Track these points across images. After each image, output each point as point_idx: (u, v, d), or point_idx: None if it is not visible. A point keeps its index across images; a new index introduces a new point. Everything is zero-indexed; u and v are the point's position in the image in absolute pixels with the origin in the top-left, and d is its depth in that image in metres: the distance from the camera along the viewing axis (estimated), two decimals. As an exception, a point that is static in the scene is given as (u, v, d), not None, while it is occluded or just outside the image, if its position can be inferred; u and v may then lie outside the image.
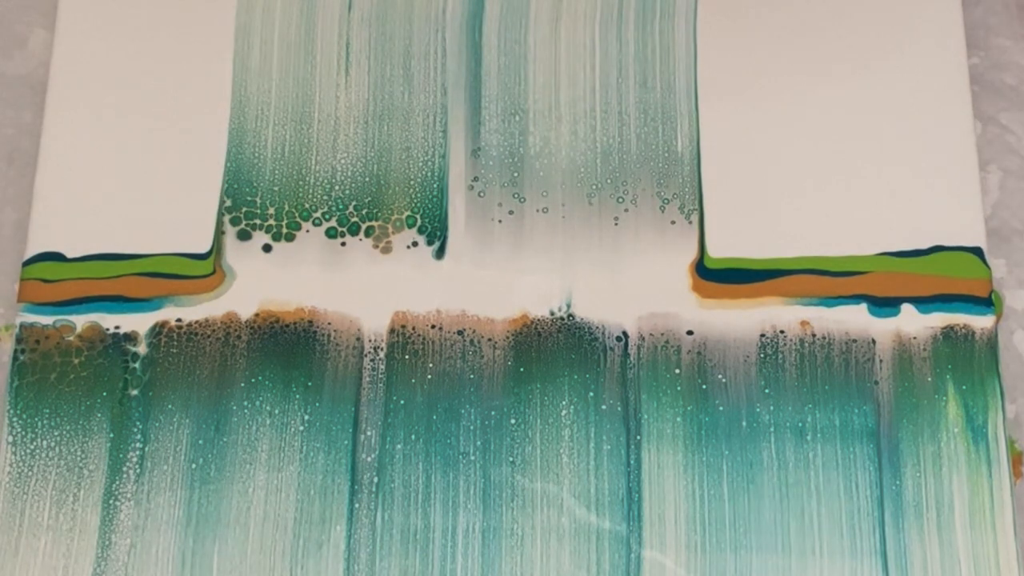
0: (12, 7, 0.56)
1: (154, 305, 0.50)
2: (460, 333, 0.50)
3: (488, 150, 0.52)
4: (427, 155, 0.52)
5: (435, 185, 0.52)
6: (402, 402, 0.49)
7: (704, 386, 0.49)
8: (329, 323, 0.50)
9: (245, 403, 0.49)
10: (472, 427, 0.48)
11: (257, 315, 0.50)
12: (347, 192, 0.52)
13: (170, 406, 0.49)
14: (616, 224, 0.51)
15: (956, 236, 0.50)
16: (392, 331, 0.50)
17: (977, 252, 0.50)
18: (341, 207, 0.51)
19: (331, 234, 0.51)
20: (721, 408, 0.49)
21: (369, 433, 0.48)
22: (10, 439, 0.48)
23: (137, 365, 0.49)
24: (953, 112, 0.52)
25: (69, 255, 0.51)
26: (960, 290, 0.50)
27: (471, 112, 0.53)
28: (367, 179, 0.52)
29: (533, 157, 0.52)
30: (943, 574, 0.46)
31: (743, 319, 0.50)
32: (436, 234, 0.51)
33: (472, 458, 0.48)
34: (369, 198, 0.52)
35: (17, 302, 0.50)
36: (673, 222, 0.51)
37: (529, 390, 0.49)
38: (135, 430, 0.48)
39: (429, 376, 0.49)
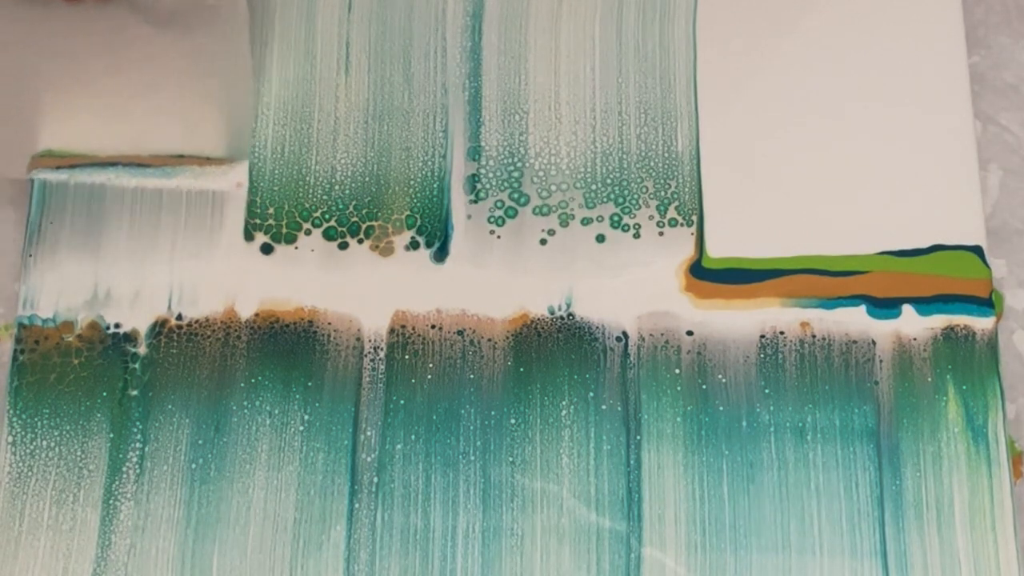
0: (12, 7, 0.56)
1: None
2: (460, 333, 0.50)
3: (488, 150, 0.52)
4: (427, 155, 0.52)
5: (435, 185, 0.52)
6: (402, 402, 0.49)
7: (704, 386, 0.49)
8: (329, 323, 0.50)
9: (245, 403, 0.49)
10: (472, 427, 0.48)
11: (257, 315, 0.50)
12: (347, 192, 0.52)
13: (170, 406, 0.49)
14: (615, 224, 0.51)
15: (956, 235, 0.50)
16: (392, 331, 0.50)
17: (977, 251, 0.50)
18: (341, 207, 0.51)
19: (331, 234, 0.51)
20: (721, 408, 0.49)
21: (369, 433, 0.48)
22: (10, 439, 0.48)
23: (137, 365, 0.49)
24: (953, 111, 0.52)
25: (69, 255, 0.51)
26: (960, 290, 0.50)
27: (471, 112, 0.53)
28: (367, 179, 0.52)
29: (533, 157, 0.52)
30: (943, 574, 0.46)
31: (743, 320, 0.50)
32: (436, 234, 0.51)
33: (472, 458, 0.48)
34: (369, 198, 0.52)
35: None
36: (673, 222, 0.51)
37: (529, 390, 0.49)
38: (135, 430, 0.48)
39: (429, 376, 0.49)
